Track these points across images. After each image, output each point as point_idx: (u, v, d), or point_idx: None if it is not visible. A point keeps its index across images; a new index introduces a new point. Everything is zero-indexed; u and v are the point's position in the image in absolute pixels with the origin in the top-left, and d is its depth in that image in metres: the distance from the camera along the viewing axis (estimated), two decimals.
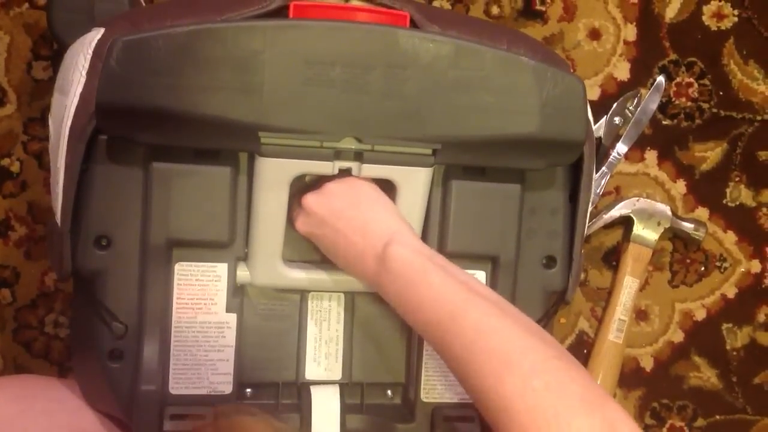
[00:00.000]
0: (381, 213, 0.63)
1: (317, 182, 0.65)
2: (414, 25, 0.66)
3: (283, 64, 0.58)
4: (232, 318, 0.67)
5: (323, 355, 0.70)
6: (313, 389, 0.69)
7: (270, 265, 0.66)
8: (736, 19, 0.93)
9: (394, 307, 0.61)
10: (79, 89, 0.61)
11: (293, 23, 0.61)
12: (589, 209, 0.73)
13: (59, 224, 0.63)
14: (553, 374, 0.50)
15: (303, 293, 0.70)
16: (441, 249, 0.68)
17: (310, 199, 0.64)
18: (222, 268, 0.66)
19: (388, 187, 0.65)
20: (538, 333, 0.54)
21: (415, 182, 0.65)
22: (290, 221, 0.66)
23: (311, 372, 0.70)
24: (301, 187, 0.66)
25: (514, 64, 0.62)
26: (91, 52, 0.62)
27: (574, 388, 0.49)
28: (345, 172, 0.64)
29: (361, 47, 0.60)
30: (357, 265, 0.63)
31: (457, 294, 0.56)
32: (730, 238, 0.96)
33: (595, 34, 0.92)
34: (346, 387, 0.70)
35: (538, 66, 0.62)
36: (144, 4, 0.80)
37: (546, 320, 0.72)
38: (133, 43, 0.57)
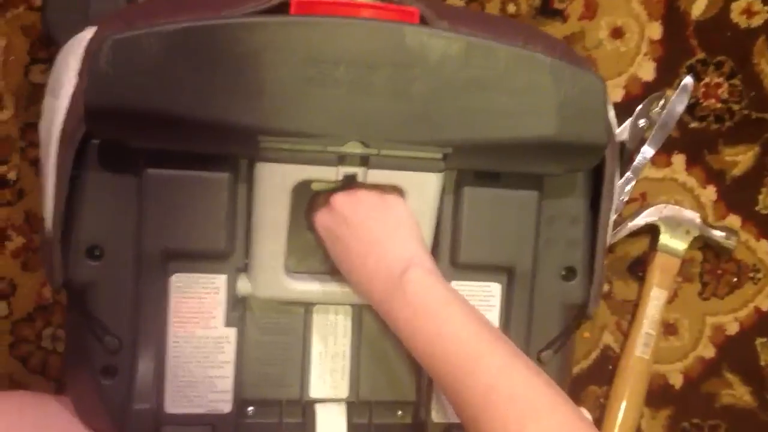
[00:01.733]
0: (405, 234, 0.60)
1: (347, 185, 0.62)
2: (423, 21, 0.63)
3: (283, 64, 0.56)
4: (232, 332, 0.64)
5: (329, 371, 0.68)
6: (319, 408, 0.67)
7: (272, 277, 0.64)
8: (767, 15, 0.90)
9: (398, 332, 0.58)
10: (70, 91, 0.59)
11: (294, 20, 0.58)
12: (613, 217, 0.71)
13: (49, 233, 0.60)
14: None
15: (308, 306, 0.67)
16: (453, 260, 0.66)
17: (339, 197, 0.61)
18: (221, 280, 0.64)
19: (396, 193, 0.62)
20: (560, 391, 0.53)
21: (425, 188, 0.62)
22: (307, 216, 0.65)
23: (316, 389, 0.67)
24: (327, 187, 0.63)
25: (529, 61, 0.59)
26: (82, 52, 0.60)
27: None
28: (351, 179, 0.61)
29: (366, 45, 0.57)
30: (365, 281, 0.60)
31: (482, 334, 0.54)
32: (763, 247, 0.92)
33: (617, 33, 0.89)
34: (353, 406, 0.68)
35: (555, 63, 0.59)
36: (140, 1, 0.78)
37: (566, 336, 0.69)
38: (123, 42, 0.54)
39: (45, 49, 0.81)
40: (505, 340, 0.55)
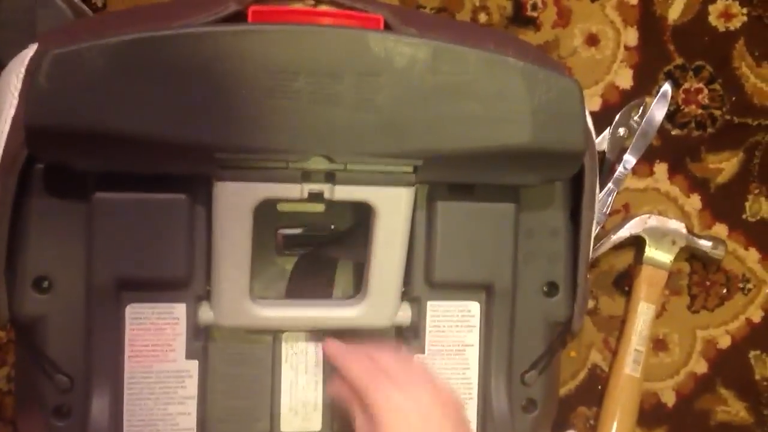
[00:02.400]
0: None
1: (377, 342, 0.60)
2: (388, 28, 0.61)
3: (240, 75, 0.53)
4: (194, 365, 0.61)
5: (300, 403, 0.65)
6: None
7: (236, 303, 0.60)
8: (745, 18, 0.89)
9: None
10: (12, 113, 0.56)
11: (250, 28, 0.56)
12: (596, 229, 0.68)
13: None
14: None
15: (276, 334, 0.64)
16: (428, 278, 0.63)
17: (384, 413, 0.55)
18: (180, 309, 0.60)
19: (365, 210, 0.60)
20: None
21: (396, 204, 0.59)
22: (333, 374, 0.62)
23: (287, 423, 0.64)
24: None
25: (501, 66, 0.57)
26: (23, 70, 0.56)
27: None
28: (319, 196, 0.58)
29: (328, 53, 0.54)
30: None
31: None
32: (752, 256, 0.90)
33: (592, 40, 0.87)
34: None
35: (528, 67, 0.57)
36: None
37: (551, 355, 0.66)
38: (64, 57, 0.51)
39: None
40: None
